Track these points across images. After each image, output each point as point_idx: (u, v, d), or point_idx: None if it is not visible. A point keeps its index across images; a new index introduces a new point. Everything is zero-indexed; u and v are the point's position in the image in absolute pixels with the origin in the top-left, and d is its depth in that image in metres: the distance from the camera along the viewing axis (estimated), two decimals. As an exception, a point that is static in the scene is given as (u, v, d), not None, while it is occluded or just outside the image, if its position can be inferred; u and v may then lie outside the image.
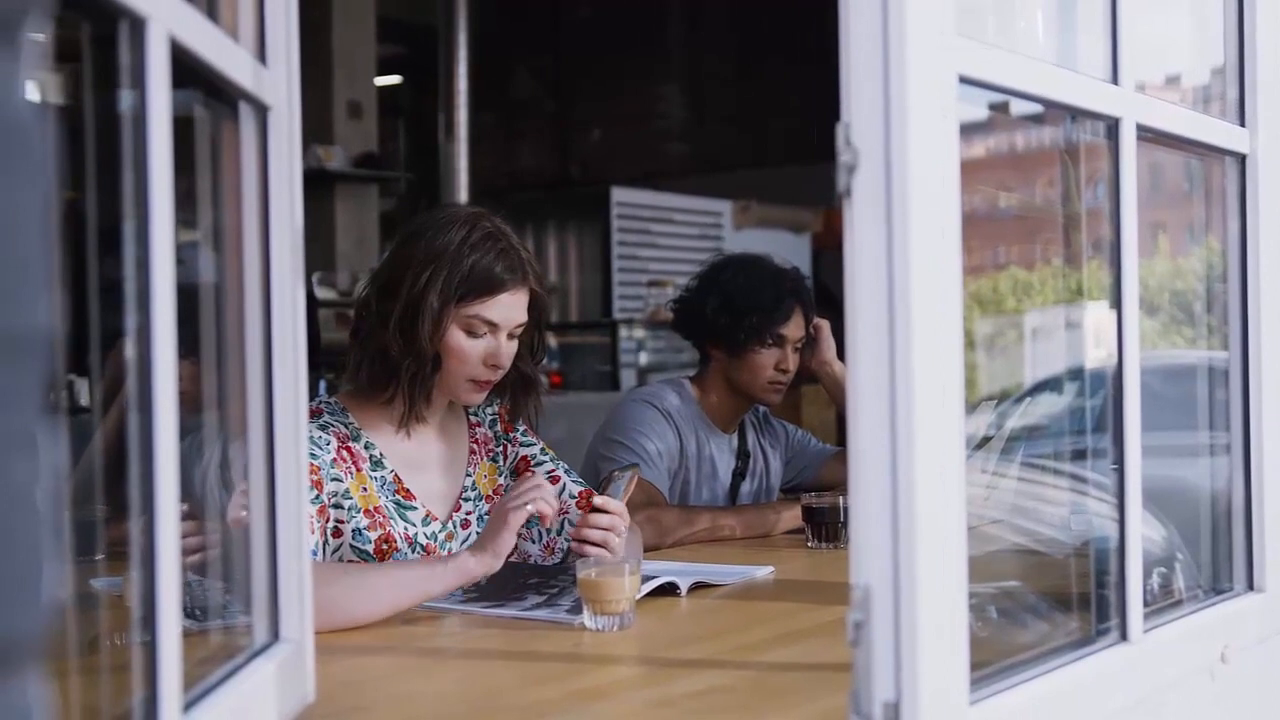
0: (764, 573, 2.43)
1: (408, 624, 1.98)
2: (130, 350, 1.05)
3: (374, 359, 2.27)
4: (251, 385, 1.41)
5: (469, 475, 2.41)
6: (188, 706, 1.12)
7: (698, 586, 2.26)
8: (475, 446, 2.44)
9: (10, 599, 0.58)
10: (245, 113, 1.38)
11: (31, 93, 0.61)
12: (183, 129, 1.12)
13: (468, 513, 2.39)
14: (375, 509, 2.25)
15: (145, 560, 1.04)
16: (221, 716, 1.19)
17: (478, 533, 2.35)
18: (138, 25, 1.03)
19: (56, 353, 0.62)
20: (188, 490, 1.12)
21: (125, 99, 1.05)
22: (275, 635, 1.42)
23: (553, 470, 2.45)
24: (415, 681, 1.76)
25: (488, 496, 2.42)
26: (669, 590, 2.18)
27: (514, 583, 2.17)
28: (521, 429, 2.49)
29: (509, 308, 2.27)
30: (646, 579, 2.11)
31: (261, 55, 1.40)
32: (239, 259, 1.40)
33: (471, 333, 2.25)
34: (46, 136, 0.61)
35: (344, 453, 2.23)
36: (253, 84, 1.35)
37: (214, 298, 1.41)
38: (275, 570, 1.42)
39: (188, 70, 1.15)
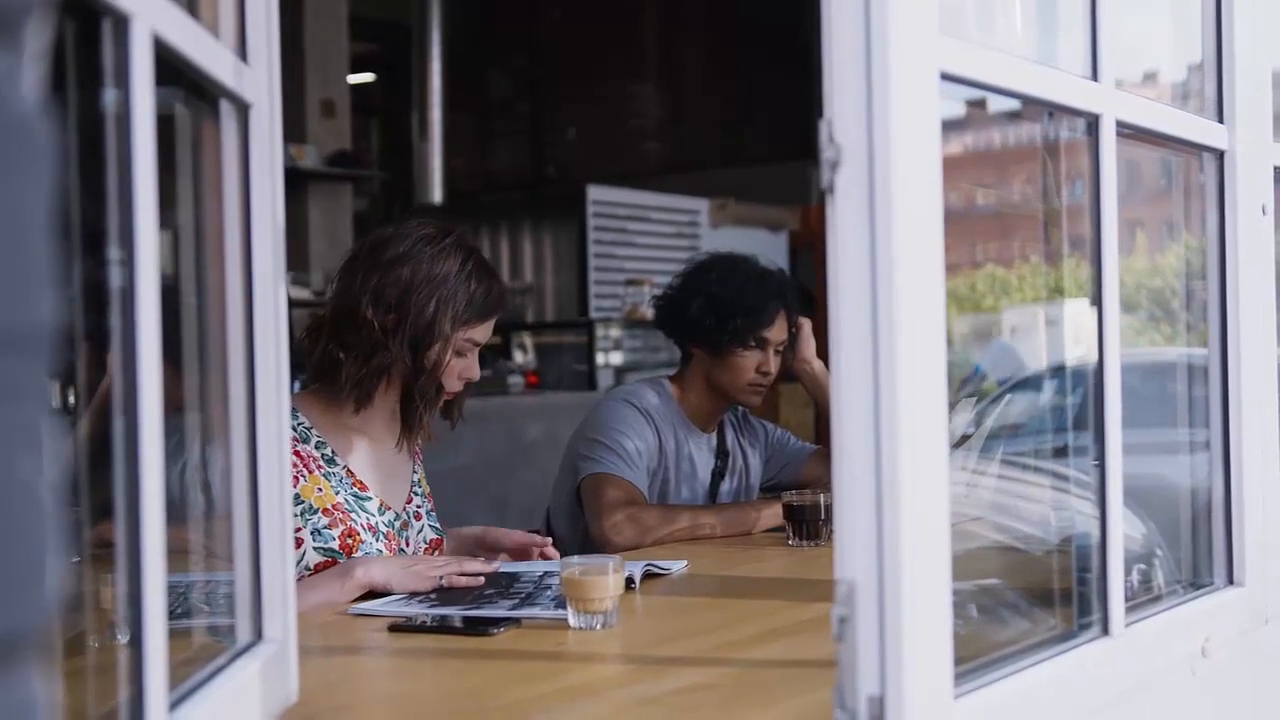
0: (679, 566, 2.47)
1: (391, 625, 1.98)
2: (113, 351, 1.04)
3: (376, 374, 2.35)
4: (233, 386, 1.40)
5: (415, 473, 2.55)
6: (173, 706, 1.12)
7: (649, 575, 2.33)
8: (416, 449, 2.57)
9: (16, 593, 0.59)
10: (226, 111, 1.38)
11: (34, 91, 0.61)
12: (162, 127, 1.11)
13: (418, 506, 2.52)
14: (334, 506, 2.33)
15: (130, 561, 1.04)
16: (206, 716, 1.19)
17: (429, 525, 2.52)
18: (121, 23, 1.02)
19: (57, 350, 0.63)
20: (167, 491, 1.11)
21: (108, 97, 1.05)
22: (259, 635, 1.42)
23: (423, 506, 2.59)
24: (398, 681, 1.76)
25: (428, 495, 2.58)
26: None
27: (482, 590, 2.17)
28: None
29: (491, 329, 2.45)
30: None
31: (243, 53, 1.39)
32: (220, 258, 1.39)
33: (459, 353, 2.40)
34: (49, 133, 0.61)
35: (293, 456, 2.26)
36: (234, 81, 1.34)
37: (195, 297, 1.40)
38: (258, 570, 1.42)
39: (169, 68, 1.14)
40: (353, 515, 2.34)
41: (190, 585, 1.50)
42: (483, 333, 2.41)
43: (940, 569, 1.26)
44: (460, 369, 2.40)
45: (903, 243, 1.21)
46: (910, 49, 1.22)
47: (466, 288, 2.36)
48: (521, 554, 2.50)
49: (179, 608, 1.40)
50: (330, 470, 2.35)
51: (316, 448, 2.36)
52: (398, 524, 2.43)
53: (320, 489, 2.32)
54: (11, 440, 0.58)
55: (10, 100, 0.58)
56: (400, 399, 2.40)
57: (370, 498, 2.39)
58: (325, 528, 2.29)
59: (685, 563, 2.48)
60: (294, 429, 2.33)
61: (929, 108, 1.25)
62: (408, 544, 2.45)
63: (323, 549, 2.28)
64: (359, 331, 2.32)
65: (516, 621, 1.96)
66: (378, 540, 2.35)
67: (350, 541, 2.31)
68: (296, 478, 2.27)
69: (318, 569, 2.26)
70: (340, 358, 2.33)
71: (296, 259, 7.34)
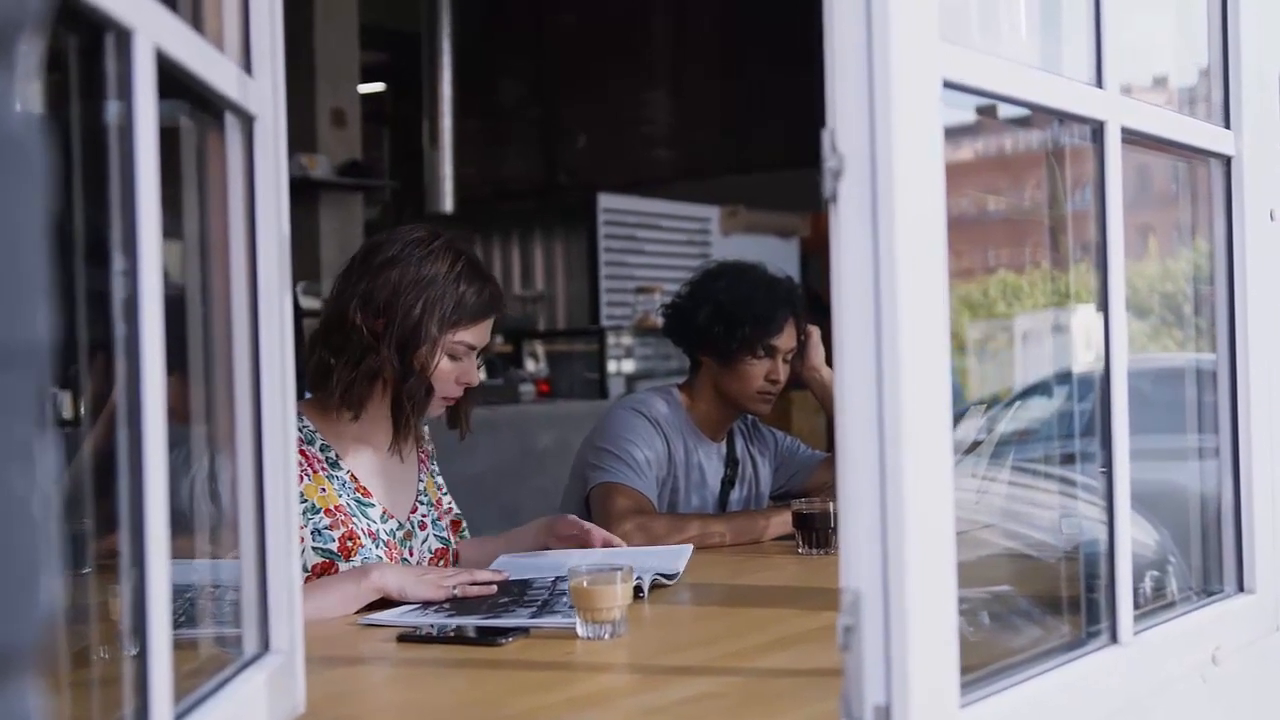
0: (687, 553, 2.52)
1: (398, 636, 1.98)
2: (118, 362, 1.04)
3: (366, 378, 2.35)
4: (239, 397, 1.40)
5: (420, 481, 2.54)
6: (179, 717, 1.12)
7: (657, 586, 2.32)
8: (422, 457, 2.58)
9: (9, 608, 0.59)
10: (231, 123, 1.38)
11: (27, 105, 0.61)
12: (168, 139, 1.12)
13: (423, 515, 2.52)
14: (336, 508, 2.34)
15: (135, 573, 1.04)
16: (212, 728, 1.19)
17: (435, 535, 2.51)
18: (124, 37, 1.03)
19: (51, 364, 0.63)
20: (176, 503, 1.12)
21: (111, 110, 1.05)
22: (265, 646, 1.42)
23: (429, 515, 2.56)
24: (406, 692, 1.76)
25: (435, 503, 2.56)
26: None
27: (497, 599, 2.17)
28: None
29: (487, 332, 2.44)
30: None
31: (247, 65, 1.40)
32: (225, 270, 1.40)
33: (453, 356, 2.39)
34: (43, 149, 0.61)
35: (298, 456, 2.27)
36: (238, 94, 1.35)
37: (200, 309, 1.41)
38: (265, 581, 1.42)
39: (173, 81, 1.15)
40: (354, 519, 2.34)
41: (198, 590, 1.50)
42: (475, 335, 2.40)
43: (945, 577, 1.26)
44: (457, 373, 2.39)
45: (905, 250, 1.20)
46: (912, 56, 1.22)
47: (455, 289, 2.35)
48: (584, 542, 2.54)
49: (183, 615, 1.40)
50: (334, 473, 2.36)
51: (321, 450, 2.36)
52: (400, 533, 2.43)
53: (324, 489, 2.33)
54: (5, 456, 0.58)
55: (3, 117, 0.59)
56: (391, 403, 2.39)
57: (373, 504, 2.39)
58: (326, 528, 2.29)
59: (690, 547, 2.54)
60: (300, 431, 2.33)
61: (931, 115, 1.25)
62: (411, 553, 2.44)
63: (321, 550, 2.28)
64: (348, 336, 2.33)
65: (525, 631, 1.95)
66: (377, 547, 2.35)
67: (350, 545, 2.31)
68: (300, 476, 2.27)
69: (316, 570, 2.26)
70: (331, 363, 2.34)
71: (308, 269, 7.34)
